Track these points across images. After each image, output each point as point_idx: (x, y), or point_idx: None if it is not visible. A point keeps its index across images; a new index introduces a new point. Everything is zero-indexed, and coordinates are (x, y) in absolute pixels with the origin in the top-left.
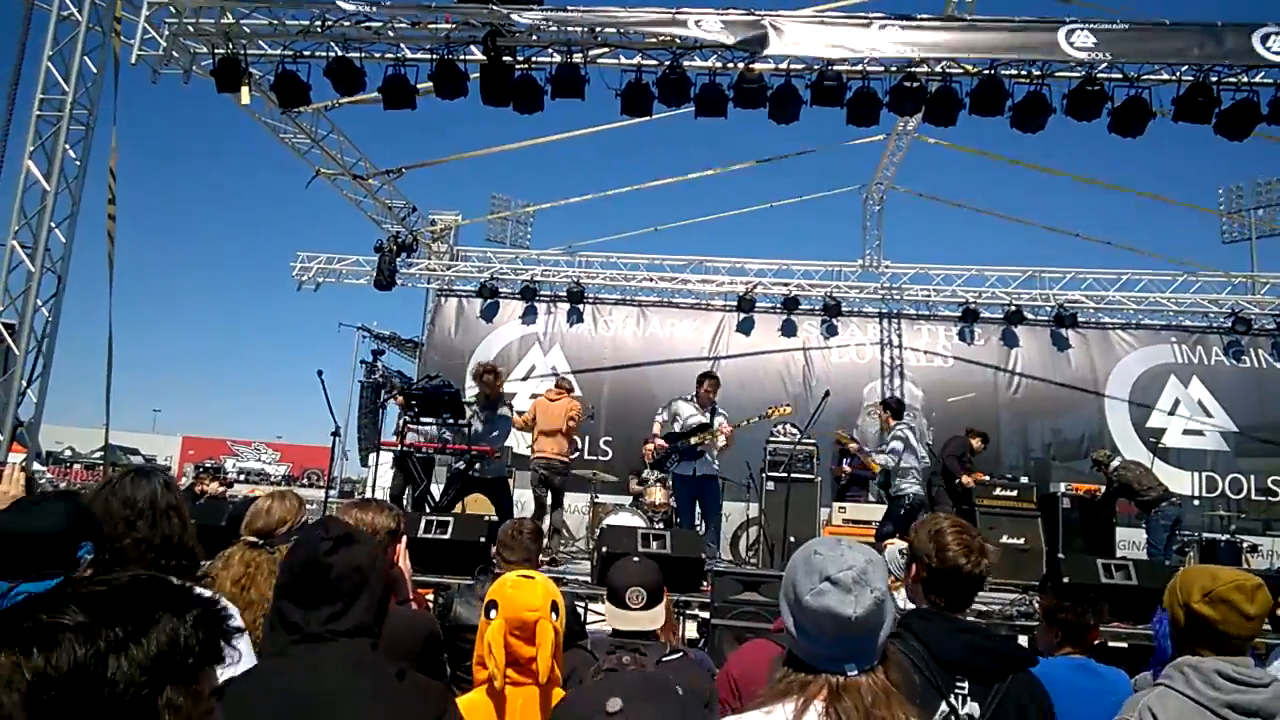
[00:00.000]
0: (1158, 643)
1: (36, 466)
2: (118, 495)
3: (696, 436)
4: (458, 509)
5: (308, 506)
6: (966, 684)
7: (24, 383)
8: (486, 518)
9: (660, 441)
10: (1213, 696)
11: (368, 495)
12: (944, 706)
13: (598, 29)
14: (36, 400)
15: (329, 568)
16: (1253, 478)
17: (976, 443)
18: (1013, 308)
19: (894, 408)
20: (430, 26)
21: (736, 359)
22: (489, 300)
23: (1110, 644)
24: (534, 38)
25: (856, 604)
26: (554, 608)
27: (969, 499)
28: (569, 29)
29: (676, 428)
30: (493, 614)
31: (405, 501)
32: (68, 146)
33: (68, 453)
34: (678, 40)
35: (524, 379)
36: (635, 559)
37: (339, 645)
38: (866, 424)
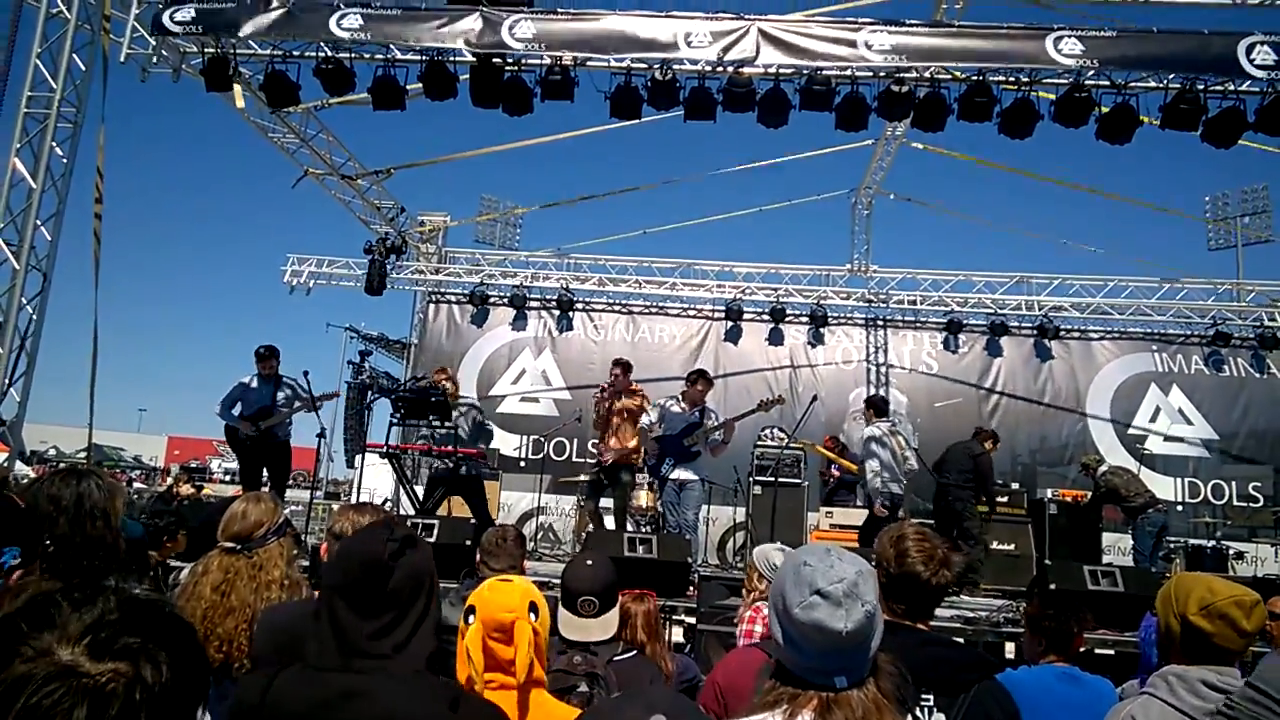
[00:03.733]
0: (1143, 650)
1: (20, 466)
2: (44, 492)
3: (690, 437)
4: (442, 510)
5: (286, 509)
6: (932, 696)
7: (7, 381)
8: (472, 520)
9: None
10: (1197, 705)
11: (354, 498)
12: None
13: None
14: (20, 399)
15: (390, 571)
16: (1234, 484)
17: (989, 445)
18: (998, 316)
19: (878, 406)
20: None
21: (724, 366)
22: (479, 307)
23: (1097, 651)
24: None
25: (847, 618)
26: (533, 609)
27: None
28: (559, 48)
29: (661, 430)
30: (471, 619)
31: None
32: (55, 144)
33: (52, 452)
34: (668, 59)
35: (514, 382)
36: (589, 560)
37: (391, 662)
38: (852, 429)
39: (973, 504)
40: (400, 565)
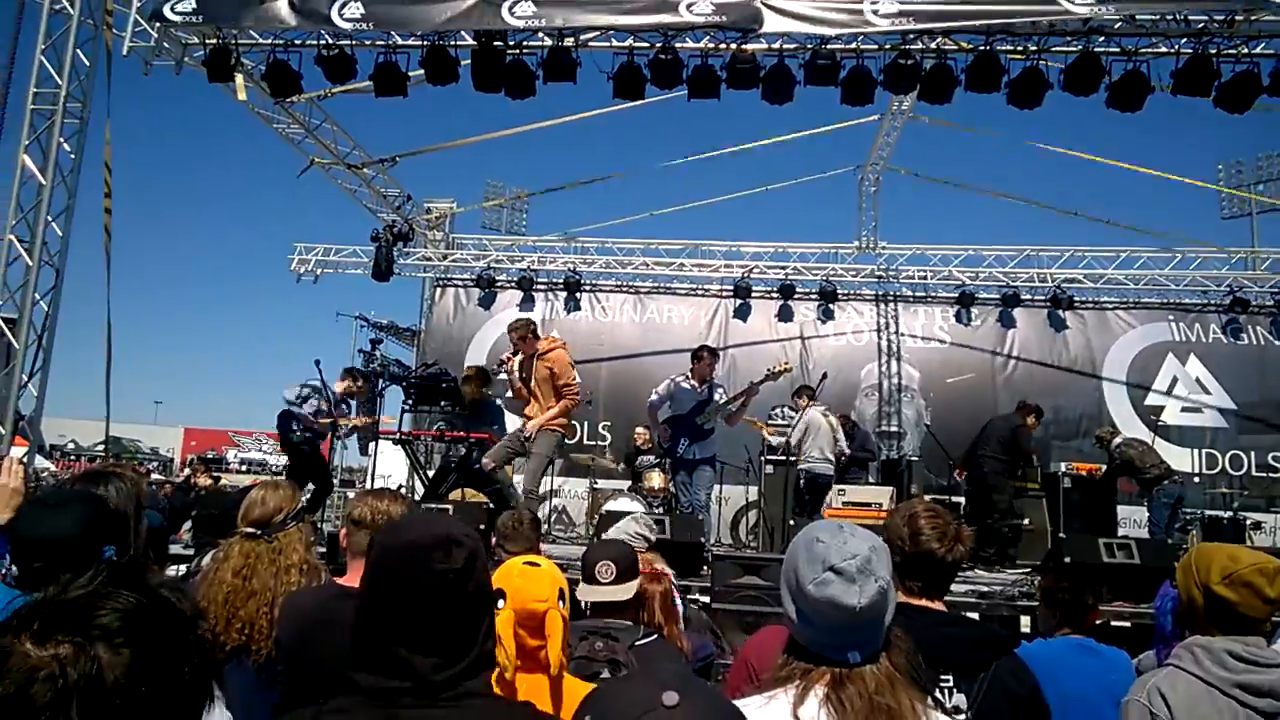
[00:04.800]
0: (1158, 620)
1: (40, 460)
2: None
3: (702, 415)
4: (455, 495)
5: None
6: (951, 677)
7: (25, 376)
8: (486, 506)
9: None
10: (1223, 676)
11: (369, 484)
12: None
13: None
14: (37, 394)
15: (450, 609)
16: (1253, 454)
17: (1031, 420)
18: (1010, 289)
19: (809, 393)
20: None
21: (734, 344)
22: (486, 290)
23: (1113, 623)
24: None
25: (861, 594)
26: (561, 595)
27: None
28: (559, 21)
29: (670, 410)
30: (500, 603)
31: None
32: (63, 140)
33: (70, 445)
34: (669, 25)
35: None
36: (606, 538)
37: (462, 688)
38: (864, 405)
39: (1005, 478)
40: (460, 596)
